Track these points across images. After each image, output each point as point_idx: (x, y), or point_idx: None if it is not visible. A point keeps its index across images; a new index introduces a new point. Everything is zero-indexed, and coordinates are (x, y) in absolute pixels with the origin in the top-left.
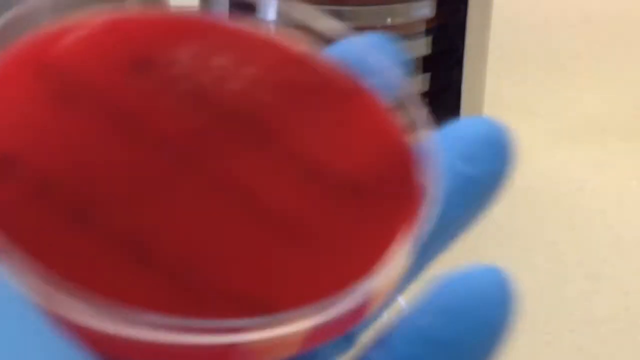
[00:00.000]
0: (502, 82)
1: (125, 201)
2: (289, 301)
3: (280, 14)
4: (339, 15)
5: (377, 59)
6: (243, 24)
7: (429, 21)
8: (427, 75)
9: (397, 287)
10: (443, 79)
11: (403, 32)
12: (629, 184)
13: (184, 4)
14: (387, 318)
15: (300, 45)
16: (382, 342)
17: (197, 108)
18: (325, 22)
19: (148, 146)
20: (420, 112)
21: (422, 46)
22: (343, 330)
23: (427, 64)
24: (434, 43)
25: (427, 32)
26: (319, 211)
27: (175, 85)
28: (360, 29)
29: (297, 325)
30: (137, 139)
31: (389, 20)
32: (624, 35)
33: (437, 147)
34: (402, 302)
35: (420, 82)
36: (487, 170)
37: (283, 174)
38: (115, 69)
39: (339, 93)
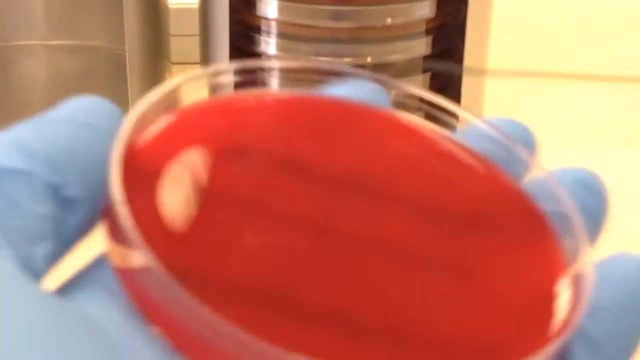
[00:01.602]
0: (502, 81)
1: (317, 284)
2: (520, 348)
3: (281, 11)
4: (339, 15)
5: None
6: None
7: (429, 21)
8: (427, 75)
9: None
10: (443, 79)
11: (403, 32)
12: (629, 184)
13: (184, 3)
14: None
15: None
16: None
17: (308, 182)
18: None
19: (291, 231)
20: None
21: (422, 46)
22: None
23: (427, 63)
24: (434, 43)
25: (427, 32)
26: (461, 248)
27: (276, 164)
28: (360, 28)
29: None
30: (278, 232)
31: (389, 20)
32: (624, 35)
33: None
34: None
35: (420, 82)
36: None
37: (414, 222)
38: (213, 166)
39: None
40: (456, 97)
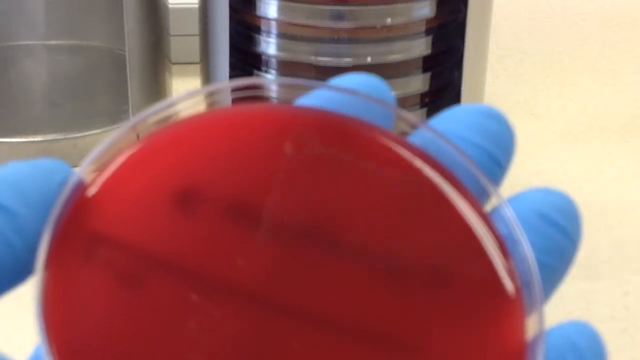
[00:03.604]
0: (502, 82)
1: None
2: None
3: (281, 11)
4: (339, 15)
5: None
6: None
7: (429, 21)
8: (427, 75)
9: None
10: (443, 79)
11: (403, 32)
12: (629, 184)
13: (184, 2)
14: None
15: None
16: None
17: (259, 236)
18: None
19: (232, 309)
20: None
21: (422, 46)
22: None
23: (427, 64)
24: (434, 43)
25: (427, 32)
26: (415, 316)
27: (225, 212)
28: (360, 28)
29: None
30: (220, 300)
31: (389, 20)
32: (624, 35)
33: (517, 226)
34: None
35: (420, 82)
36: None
37: (368, 282)
38: (160, 217)
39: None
40: (456, 97)
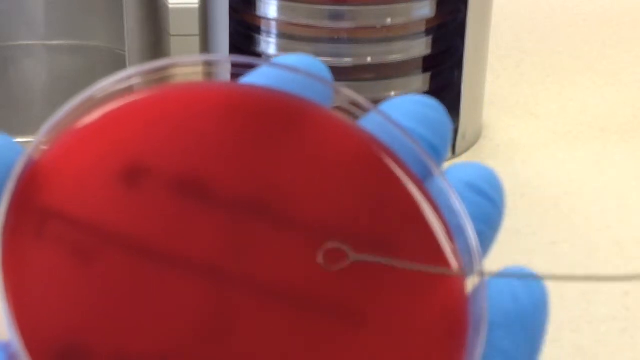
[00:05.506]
0: (502, 82)
1: (211, 345)
2: None
3: (281, 11)
4: (338, 15)
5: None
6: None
7: (429, 21)
8: (427, 75)
9: None
10: (443, 79)
11: (403, 32)
12: (629, 184)
13: (184, 2)
14: None
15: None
16: None
17: (208, 211)
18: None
19: (186, 282)
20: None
21: (422, 46)
22: None
23: (427, 64)
24: (434, 43)
25: (427, 32)
26: (359, 286)
27: (175, 187)
28: (360, 28)
29: None
30: (173, 275)
31: (389, 20)
32: (624, 35)
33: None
34: None
35: (420, 82)
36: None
37: (315, 254)
38: (110, 192)
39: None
40: (456, 97)
